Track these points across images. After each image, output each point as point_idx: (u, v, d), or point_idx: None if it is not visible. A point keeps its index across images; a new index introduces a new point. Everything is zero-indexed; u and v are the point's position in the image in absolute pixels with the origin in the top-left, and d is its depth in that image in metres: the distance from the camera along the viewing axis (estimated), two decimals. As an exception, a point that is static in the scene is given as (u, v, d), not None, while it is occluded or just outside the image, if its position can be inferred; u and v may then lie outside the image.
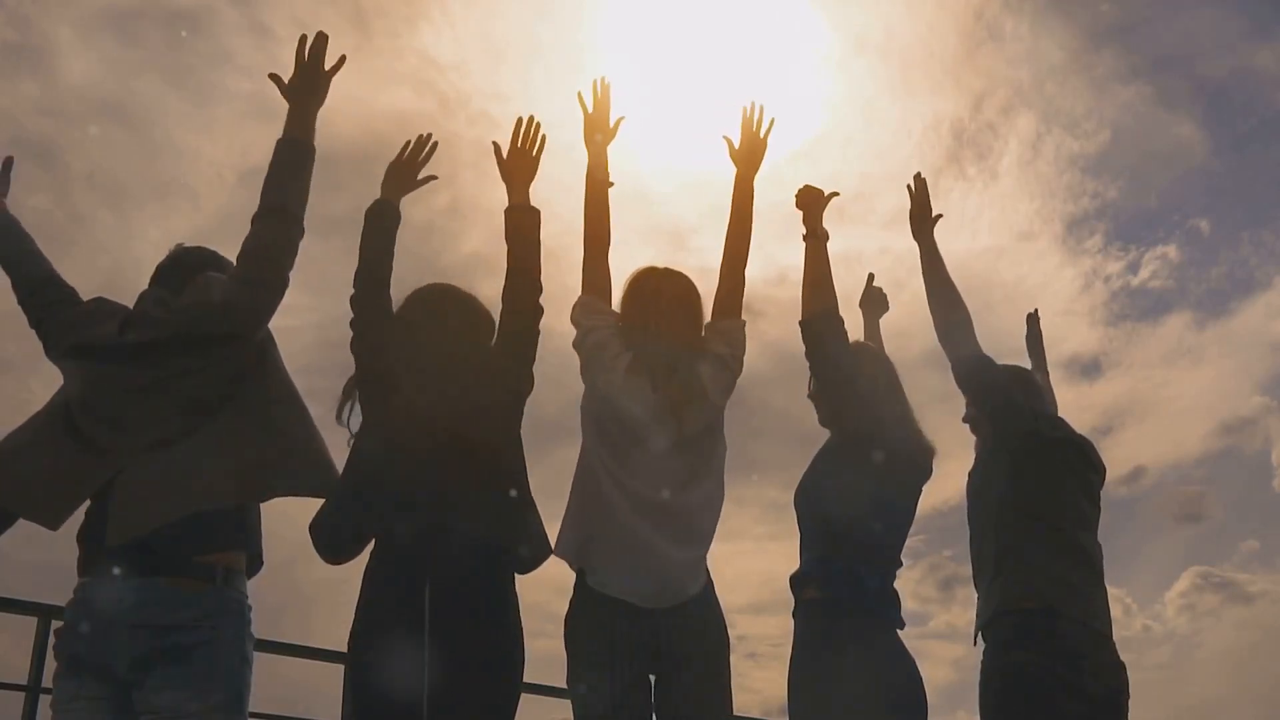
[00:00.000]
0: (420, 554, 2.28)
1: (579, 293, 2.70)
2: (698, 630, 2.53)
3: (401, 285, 2.59)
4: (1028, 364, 3.78)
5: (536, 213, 2.67)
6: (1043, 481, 2.98)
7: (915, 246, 3.21)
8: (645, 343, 2.62)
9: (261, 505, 2.38)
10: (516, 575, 2.43)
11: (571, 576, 2.59)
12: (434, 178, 2.72)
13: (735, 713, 2.58)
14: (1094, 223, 15.79)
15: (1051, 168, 15.21)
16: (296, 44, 2.46)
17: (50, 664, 2.28)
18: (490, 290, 2.62)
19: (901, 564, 2.89)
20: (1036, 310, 3.92)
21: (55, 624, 2.40)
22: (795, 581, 2.84)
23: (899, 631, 2.79)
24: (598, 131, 2.83)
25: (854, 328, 3.09)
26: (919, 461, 2.94)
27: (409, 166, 2.69)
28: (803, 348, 2.91)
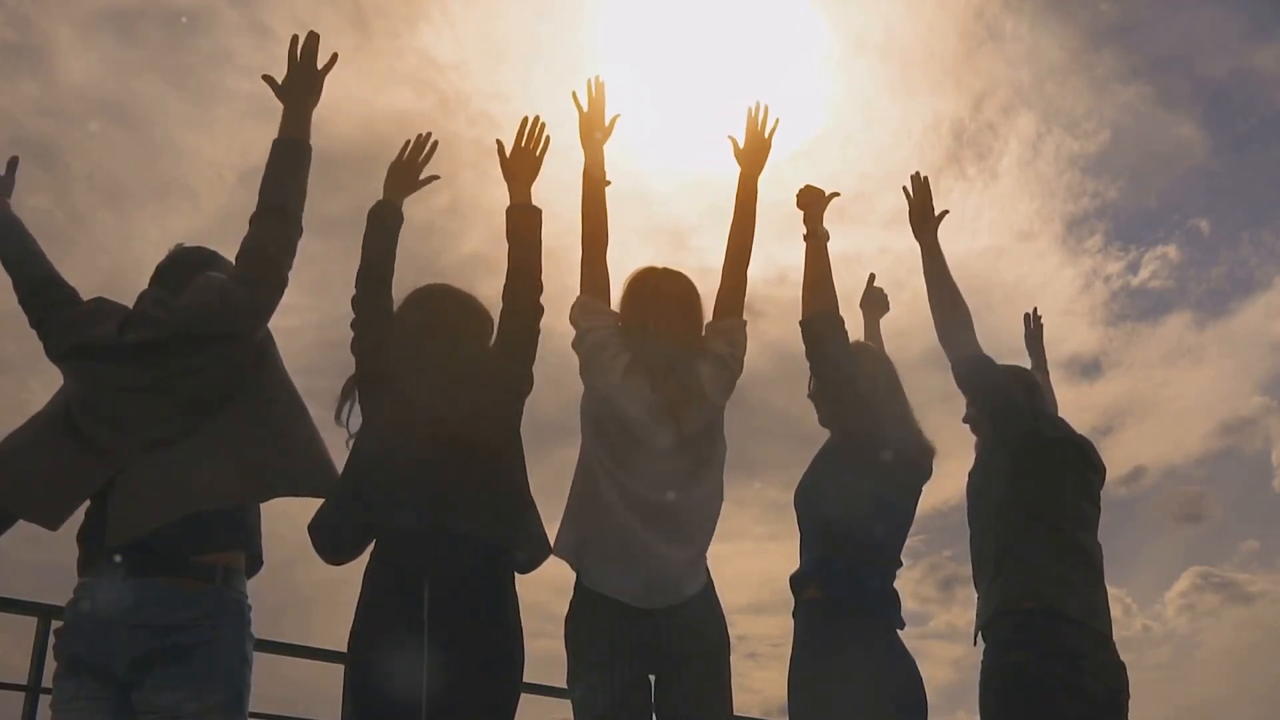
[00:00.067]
0: (420, 554, 2.28)
1: (578, 293, 2.70)
2: (697, 630, 2.53)
3: (401, 285, 2.59)
4: (1028, 364, 3.78)
5: (538, 212, 2.67)
6: (1043, 481, 2.98)
7: (915, 246, 3.21)
8: (644, 343, 2.62)
9: (261, 505, 2.38)
10: (516, 575, 2.43)
11: (572, 576, 2.59)
12: (436, 177, 2.72)
13: (735, 713, 2.58)
14: (1094, 223, 15.80)
15: (1051, 168, 15.22)
16: (289, 44, 2.46)
17: (50, 664, 2.28)
18: (490, 290, 2.62)
19: (901, 564, 2.89)
20: (1036, 309, 3.93)
21: (55, 624, 2.40)
22: (795, 581, 2.84)
23: (899, 631, 2.79)
24: (594, 130, 2.83)
25: (854, 328, 3.09)
26: (919, 461, 2.94)
27: (409, 167, 2.69)
28: (803, 348, 2.91)
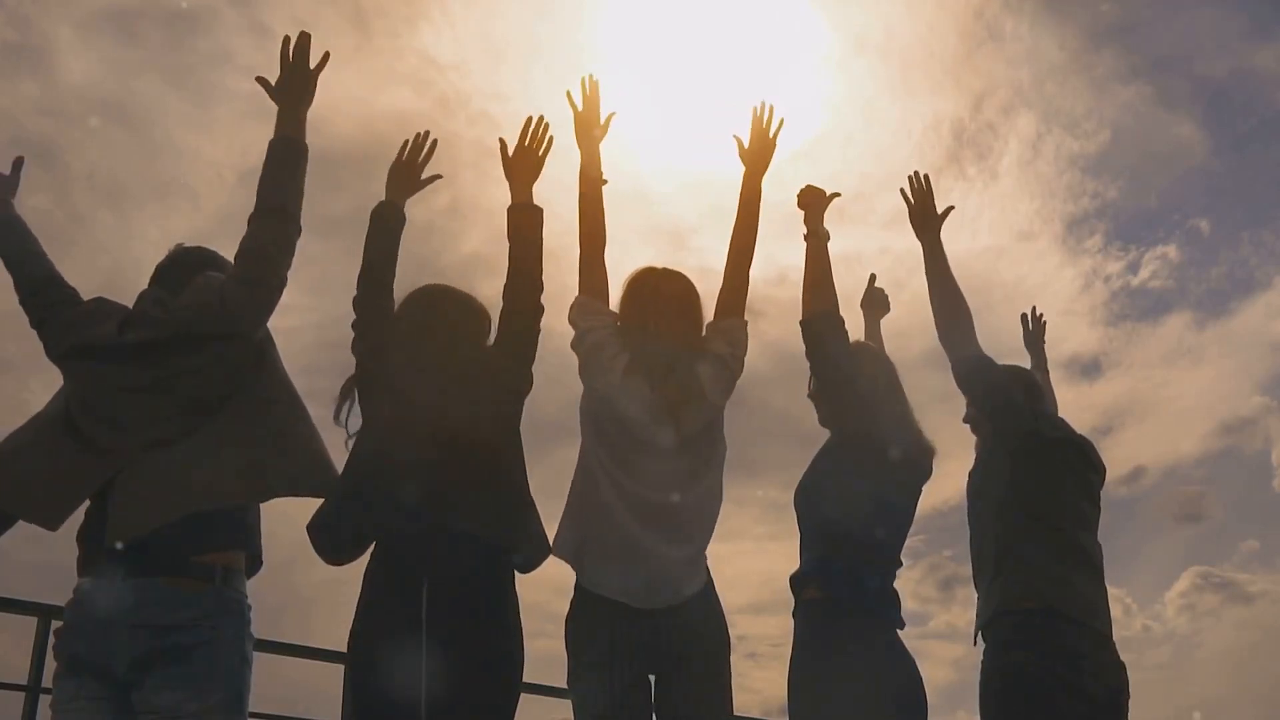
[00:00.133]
0: (419, 554, 2.29)
1: (577, 293, 2.70)
2: (697, 630, 2.53)
3: (401, 285, 2.59)
4: (1028, 364, 3.78)
5: (539, 211, 2.67)
6: (1043, 481, 2.98)
7: (915, 246, 3.20)
8: (643, 343, 2.61)
9: (261, 505, 2.38)
10: (516, 575, 2.43)
11: (572, 576, 2.59)
12: (438, 177, 2.72)
13: (735, 713, 2.58)
14: (1094, 223, 15.80)
15: (1051, 168, 15.22)
16: (281, 46, 2.46)
17: (50, 664, 2.28)
18: (490, 290, 2.62)
19: (901, 564, 2.89)
20: (1035, 308, 3.92)
21: (55, 624, 2.40)
22: (795, 581, 2.84)
23: (899, 631, 2.79)
24: (589, 130, 2.82)
25: (855, 328, 3.09)
26: (919, 461, 2.94)
27: (409, 167, 2.69)
28: (803, 348, 2.91)
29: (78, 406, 2.28)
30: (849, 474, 2.83)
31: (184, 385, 2.26)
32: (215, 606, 2.18)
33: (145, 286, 2.45)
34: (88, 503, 2.28)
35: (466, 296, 2.62)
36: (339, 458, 2.42)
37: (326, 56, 2.48)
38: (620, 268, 2.76)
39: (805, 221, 3.02)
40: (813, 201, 3.03)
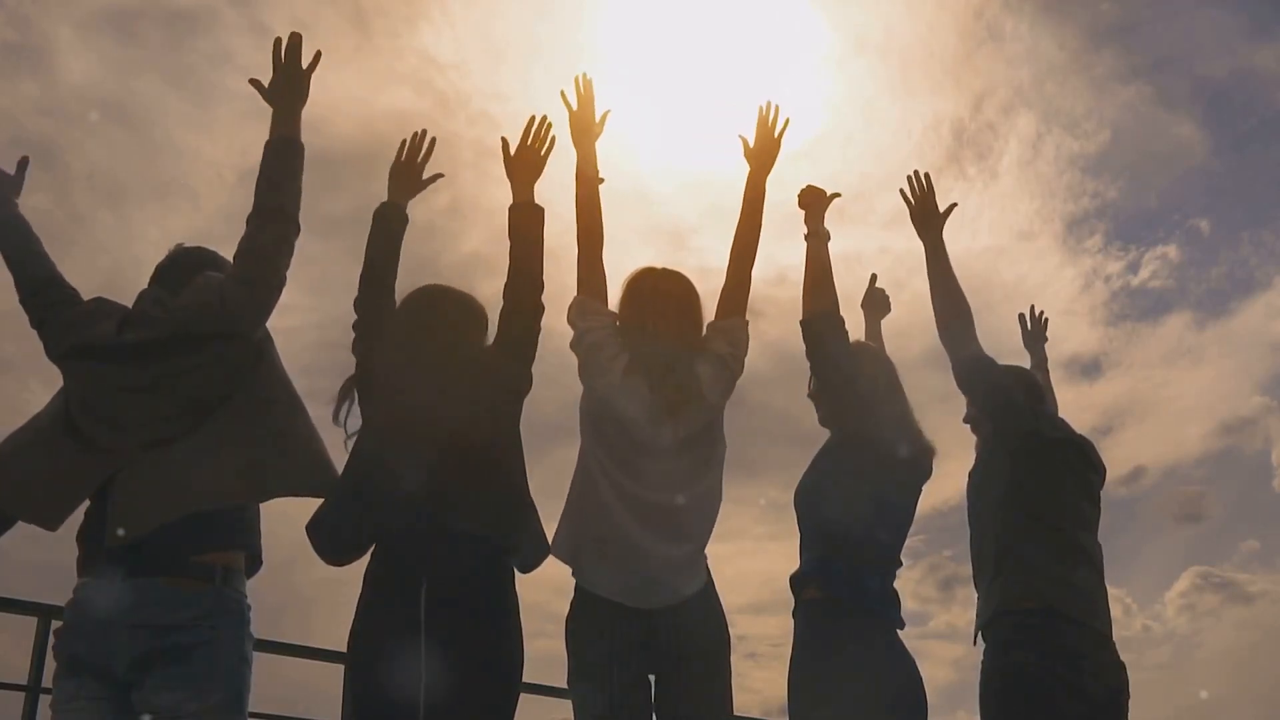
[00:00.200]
0: (419, 554, 2.29)
1: (575, 293, 2.70)
2: (697, 630, 2.53)
3: (401, 285, 2.59)
4: (1027, 364, 3.78)
5: (540, 211, 2.66)
6: (1043, 481, 2.98)
7: (915, 246, 3.20)
8: (643, 343, 2.61)
9: (261, 505, 2.38)
10: (517, 575, 2.43)
11: (572, 576, 2.59)
12: (440, 176, 2.72)
13: (735, 713, 2.58)
14: (1094, 222, 15.79)
15: (1051, 168, 15.22)
16: (273, 47, 2.46)
17: (50, 664, 2.27)
18: (490, 290, 2.62)
19: (901, 564, 2.89)
20: (1034, 306, 3.91)
21: (55, 624, 2.40)
22: (795, 581, 2.84)
23: (899, 631, 2.79)
24: (584, 128, 2.82)
25: (855, 328, 3.09)
26: (919, 461, 2.94)
27: (409, 167, 2.69)
28: (803, 348, 2.91)
29: (78, 406, 2.28)
30: (849, 474, 2.83)
31: (184, 385, 2.26)
32: (215, 606, 2.18)
33: (145, 286, 2.45)
34: (88, 503, 2.28)
35: (466, 296, 2.62)
36: (339, 458, 2.42)
37: (318, 56, 2.48)
38: (620, 268, 2.77)
39: (805, 221, 3.02)
40: (813, 201, 3.03)
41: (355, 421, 2.48)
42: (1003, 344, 3.64)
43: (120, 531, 2.15)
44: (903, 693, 2.70)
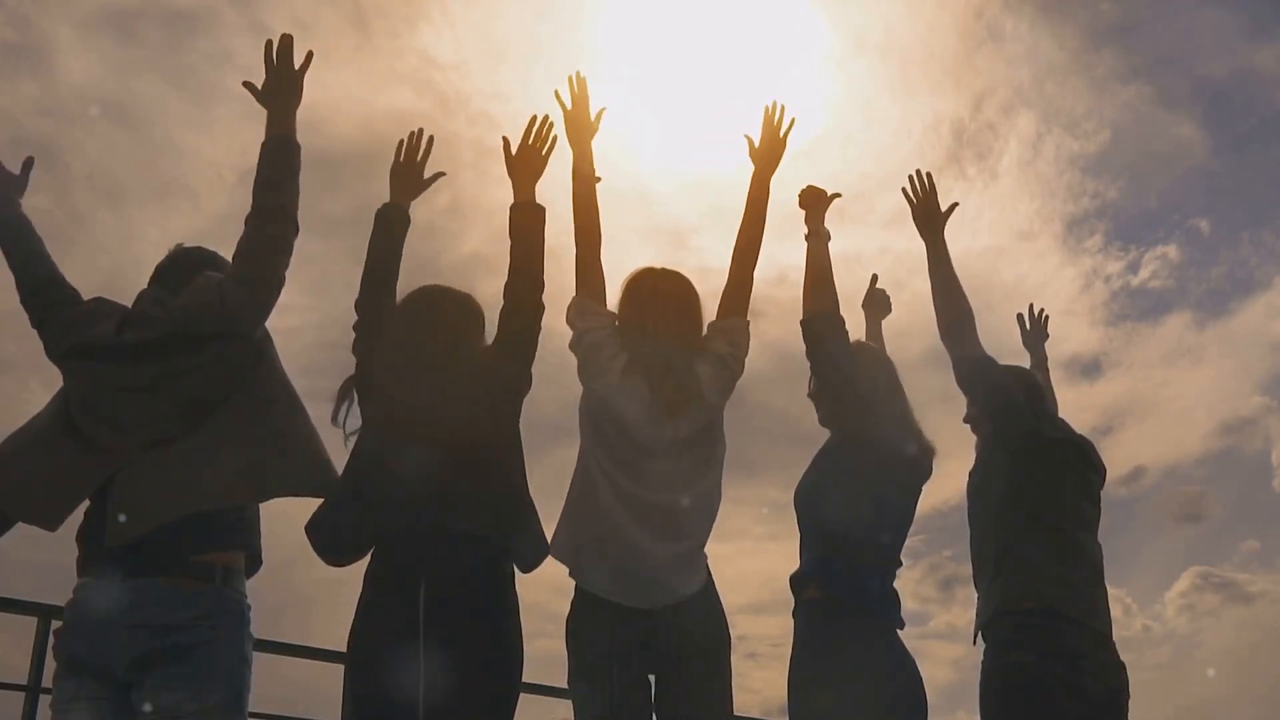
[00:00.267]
0: (419, 554, 2.29)
1: (574, 293, 2.70)
2: (696, 630, 2.53)
3: (401, 285, 2.59)
4: (1027, 363, 3.78)
5: (542, 210, 2.66)
6: (1043, 481, 2.98)
7: (914, 246, 3.20)
8: (642, 343, 2.61)
9: (261, 505, 2.38)
10: (517, 575, 2.42)
11: (570, 576, 2.59)
12: (441, 174, 2.73)
13: (735, 713, 2.58)
14: (1094, 223, 15.79)
15: (1051, 168, 15.22)
16: (264, 50, 2.47)
17: (50, 664, 2.28)
18: (490, 290, 2.62)
19: (901, 564, 2.89)
20: (1033, 305, 3.91)
21: (55, 624, 2.40)
22: (795, 581, 2.84)
23: (899, 631, 2.79)
24: (580, 127, 2.82)
25: (855, 329, 3.09)
26: (919, 461, 2.94)
27: (409, 167, 2.70)
28: (803, 348, 2.90)
29: (77, 406, 2.28)
30: (849, 474, 2.83)
31: (184, 385, 2.26)
32: (215, 606, 2.18)
33: (145, 286, 2.45)
34: (87, 503, 2.28)
35: (465, 296, 2.62)
36: (339, 458, 2.43)
37: (309, 56, 2.48)
38: (620, 268, 2.76)
39: (806, 221, 3.02)
40: (814, 202, 3.03)
41: (354, 421, 2.48)
42: (1003, 344, 3.64)
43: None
44: (903, 693, 2.70)
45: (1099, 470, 3.15)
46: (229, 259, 2.40)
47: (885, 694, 2.64)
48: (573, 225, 2.73)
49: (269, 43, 2.47)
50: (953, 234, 3.16)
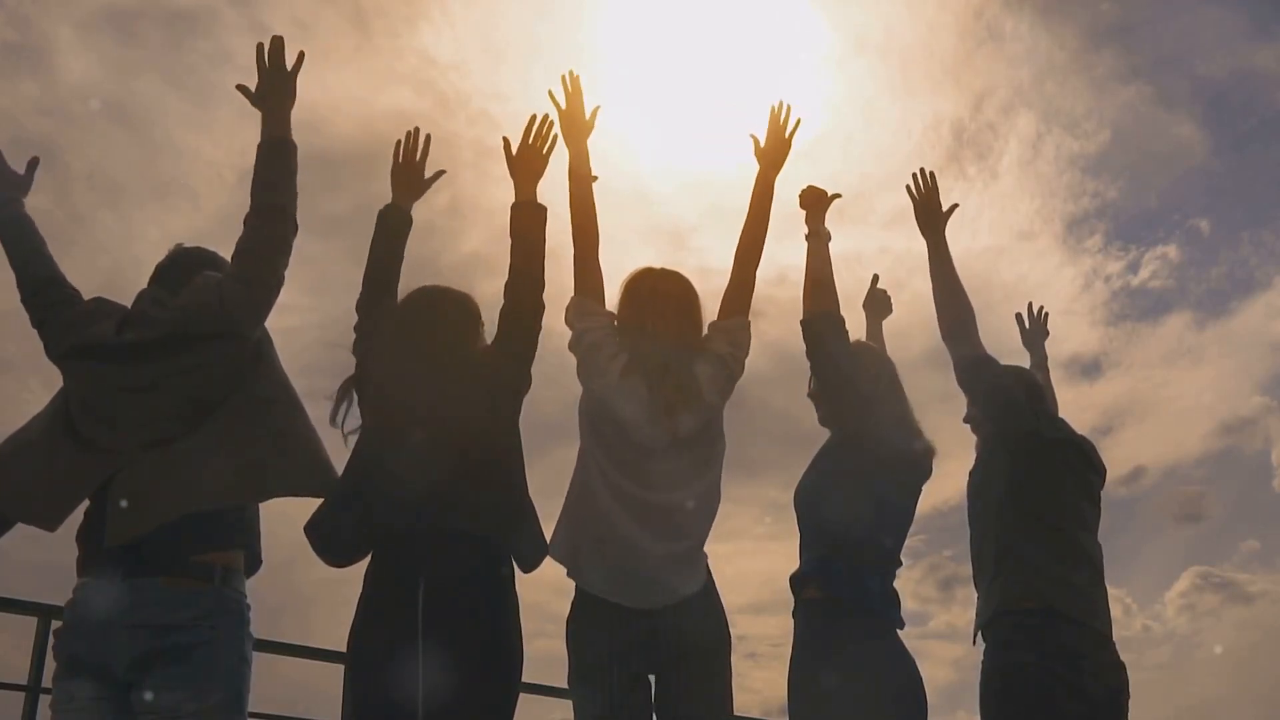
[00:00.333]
0: (419, 554, 2.29)
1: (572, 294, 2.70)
2: (696, 630, 2.52)
3: (401, 285, 2.60)
4: (1028, 363, 3.78)
5: (543, 210, 2.66)
6: (1043, 481, 2.98)
7: (914, 246, 3.20)
8: (641, 343, 2.61)
9: (261, 505, 2.38)
10: (517, 575, 2.42)
11: (568, 576, 2.59)
12: (442, 173, 2.73)
13: (735, 713, 2.58)
14: (1094, 222, 15.79)
15: (1051, 167, 15.22)
16: (256, 52, 2.47)
17: (50, 664, 2.27)
18: (490, 290, 2.62)
19: (901, 564, 2.89)
20: (1032, 304, 3.90)
21: (55, 624, 2.40)
22: (795, 581, 2.84)
23: (899, 631, 2.79)
24: (575, 126, 2.82)
25: (856, 328, 3.09)
26: (919, 461, 2.94)
27: (409, 167, 2.70)
28: (803, 347, 2.91)
29: (77, 406, 2.28)
30: (849, 474, 2.83)
31: (183, 385, 2.26)
32: (214, 606, 2.18)
33: (145, 286, 2.45)
34: (87, 503, 2.28)
35: (464, 296, 2.62)
36: (339, 458, 2.42)
37: (301, 56, 2.49)
38: (620, 268, 2.76)
39: (806, 221, 3.02)
40: (814, 202, 3.03)
41: (353, 421, 2.48)
42: (1003, 344, 3.64)
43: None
44: (903, 693, 2.70)
45: (1099, 470, 3.15)
46: (229, 259, 2.40)
47: (885, 694, 2.64)
48: (571, 226, 2.73)
49: (260, 45, 2.48)
50: (953, 234, 3.16)
